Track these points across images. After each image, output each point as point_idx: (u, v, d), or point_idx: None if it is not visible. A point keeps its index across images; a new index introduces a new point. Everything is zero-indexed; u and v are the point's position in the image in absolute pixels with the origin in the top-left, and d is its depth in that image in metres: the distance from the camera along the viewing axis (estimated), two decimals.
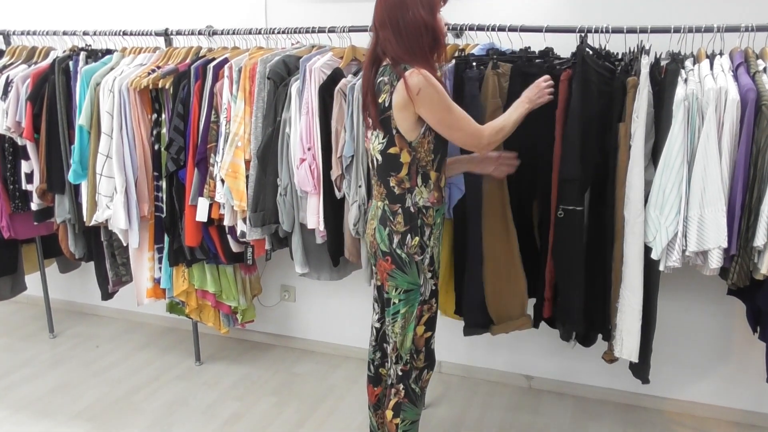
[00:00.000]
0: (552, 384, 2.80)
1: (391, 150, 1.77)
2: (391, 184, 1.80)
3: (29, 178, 2.79)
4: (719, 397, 2.57)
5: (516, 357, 2.85)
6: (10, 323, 3.57)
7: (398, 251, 1.82)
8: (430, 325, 1.93)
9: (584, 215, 2.00)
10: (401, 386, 1.94)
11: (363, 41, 2.40)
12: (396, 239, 1.82)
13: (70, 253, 2.87)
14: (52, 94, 2.61)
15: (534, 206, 2.19)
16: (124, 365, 3.08)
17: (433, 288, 1.90)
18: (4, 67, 2.80)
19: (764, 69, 1.82)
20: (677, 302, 2.51)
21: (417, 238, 1.82)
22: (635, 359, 1.98)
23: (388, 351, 1.98)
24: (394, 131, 1.75)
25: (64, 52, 2.73)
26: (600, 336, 2.17)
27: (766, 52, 1.89)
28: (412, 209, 1.81)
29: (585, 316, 2.09)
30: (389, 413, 1.97)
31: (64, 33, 2.89)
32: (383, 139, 1.77)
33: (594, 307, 2.08)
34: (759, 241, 1.71)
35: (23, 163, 2.77)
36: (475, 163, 2.04)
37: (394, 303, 1.88)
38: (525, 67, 2.05)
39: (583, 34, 2.00)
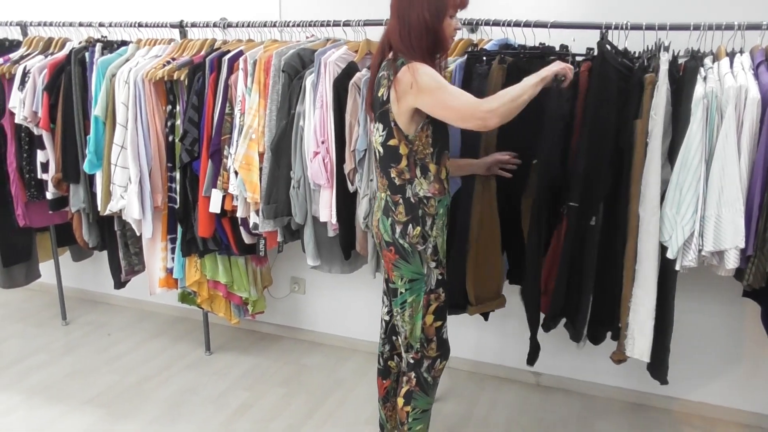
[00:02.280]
0: (560, 381, 2.80)
1: (391, 142, 1.79)
2: (392, 175, 1.82)
3: (45, 167, 2.80)
4: (729, 399, 2.55)
5: (524, 353, 2.82)
6: (23, 310, 3.61)
7: (401, 241, 1.84)
8: (440, 314, 1.94)
9: (599, 212, 1.99)
10: (413, 374, 1.95)
11: (378, 35, 2.39)
12: (398, 229, 1.84)
13: (83, 242, 2.89)
14: (68, 84, 2.63)
15: (522, 199, 2.18)
16: (136, 353, 3.11)
17: (439, 277, 1.91)
18: (22, 57, 2.81)
19: None
20: (689, 303, 2.49)
21: (418, 228, 1.83)
22: (647, 359, 1.97)
23: (400, 341, 1.99)
24: (393, 124, 1.77)
25: (80, 43, 2.74)
26: (609, 335, 2.17)
27: None
28: (412, 200, 1.82)
29: (594, 315, 2.08)
30: (400, 401, 1.98)
31: (80, 24, 2.91)
32: (383, 131, 1.80)
33: (604, 305, 2.07)
34: None
35: (39, 152, 2.79)
36: (475, 167, 2.07)
37: (401, 293, 1.89)
38: (523, 63, 2.03)
39: (601, 30, 1.98)
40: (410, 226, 1.83)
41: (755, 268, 1.79)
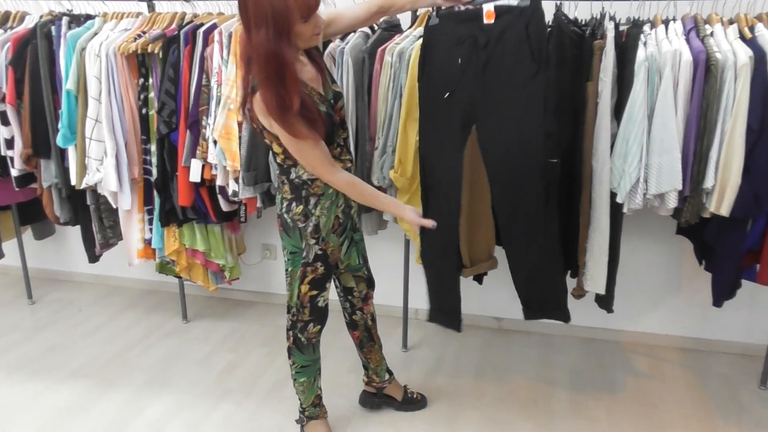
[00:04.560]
0: (519, 324, 3.08)
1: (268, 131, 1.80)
2: (278, 160, 1.88)
3: (9, 143, 2.78)
4: (668, 327, 2.91)
5: (486, 301, 3.10)
6: None
7: (285, 216, 1.93)
8: (315, 285, 2.01)
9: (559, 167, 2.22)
10: (290, 333, 2.10)
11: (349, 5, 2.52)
12: (284, 205, 1.93)
13: (55, 218, 2.90)
14: (35, 59, 2.61)
15: None
16: (111, 326, 3.16)
17: (319, 252, 1.96)
18: None
19: (711, 33, 2.07)
20: (629, 243, 2.80)
21: (301, 207, 1.90)
22: (602, 291, 2.25)
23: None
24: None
25: (42, 17, 2.71)
26: (569, 273, 2.44)
27: (713, 18, 2.14)
28: (296, 181, 1.88)
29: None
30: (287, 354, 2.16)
31: None
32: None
33: (564, 248, 2.33)
34: (708, 183, 2.00)
35: (2, 128, 2.75)
36: None
37: (285, 261, 2.01)
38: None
39: (556, 3, 2.20)
40: (294, 203, 1.90)
41: (691, 207, 2.09)
